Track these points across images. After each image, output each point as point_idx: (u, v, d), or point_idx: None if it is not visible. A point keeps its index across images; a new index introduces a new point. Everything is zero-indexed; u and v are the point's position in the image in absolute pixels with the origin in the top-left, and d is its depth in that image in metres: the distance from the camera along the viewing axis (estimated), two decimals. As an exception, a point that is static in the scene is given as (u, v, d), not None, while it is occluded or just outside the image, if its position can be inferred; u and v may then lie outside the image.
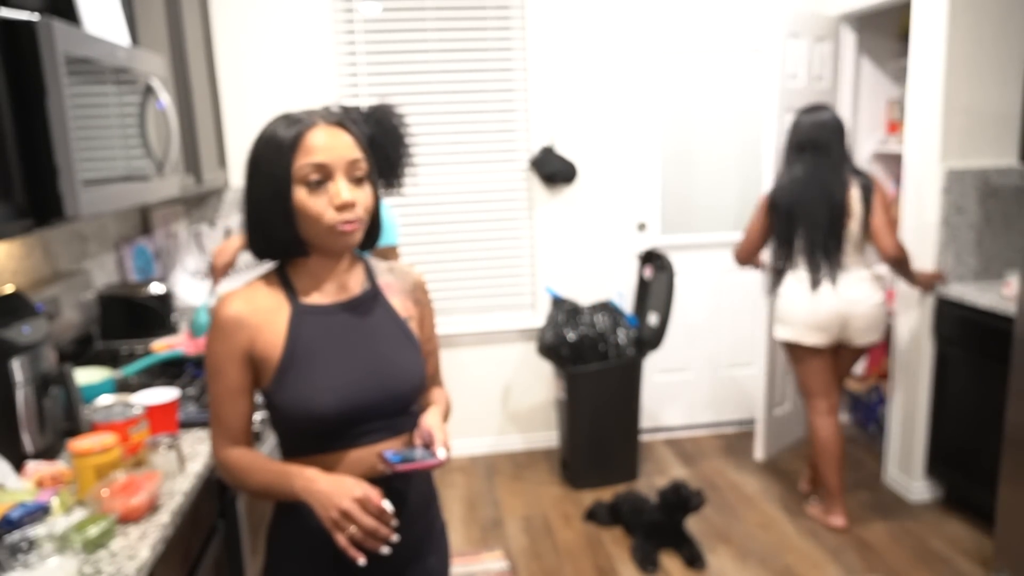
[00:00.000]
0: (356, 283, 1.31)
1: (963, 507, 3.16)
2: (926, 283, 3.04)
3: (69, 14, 1.64)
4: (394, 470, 1.19)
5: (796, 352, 3.02)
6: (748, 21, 3.80)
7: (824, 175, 2.86)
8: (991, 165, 3.05)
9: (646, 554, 2.83)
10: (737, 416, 4.11)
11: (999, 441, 2.68)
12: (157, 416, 1.69)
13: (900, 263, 2.87)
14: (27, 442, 1.55)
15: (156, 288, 2.56)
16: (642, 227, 3.86)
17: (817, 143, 2.87)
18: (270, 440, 1.93)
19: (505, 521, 3.23)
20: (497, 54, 3.63)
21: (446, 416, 1.38)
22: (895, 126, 3.74)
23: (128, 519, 1.37)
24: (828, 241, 2.86)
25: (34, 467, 1.50)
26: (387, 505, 1.15)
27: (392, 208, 3.28)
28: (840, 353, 3.03)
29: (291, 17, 3.42)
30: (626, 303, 3.73)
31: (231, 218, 3.39)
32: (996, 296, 2.85)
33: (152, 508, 1.42)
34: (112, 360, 2.27)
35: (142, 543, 1.31)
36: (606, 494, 3.34)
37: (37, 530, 1.26)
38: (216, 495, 1.75)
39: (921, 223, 3.14)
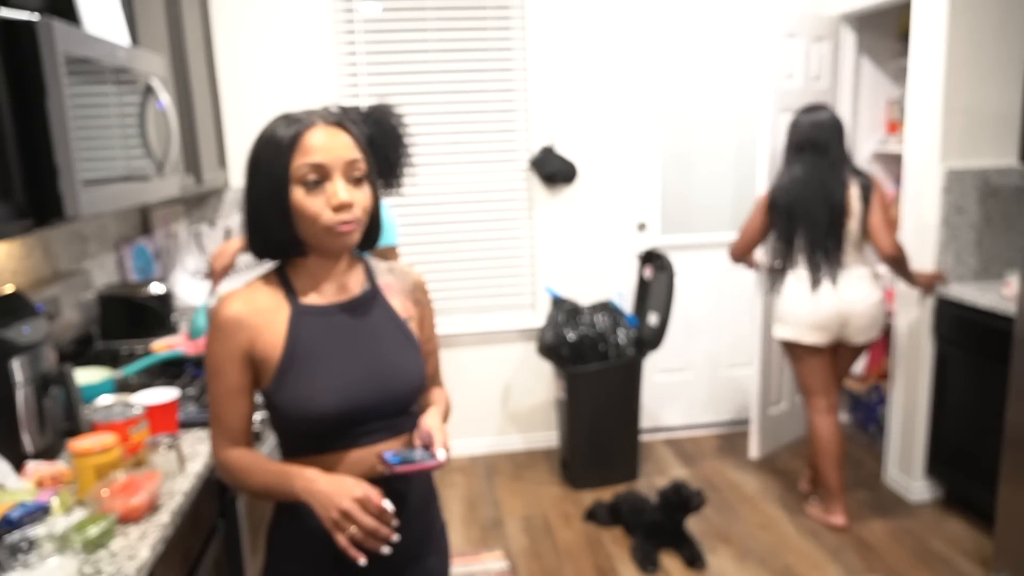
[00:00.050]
0: (356, 283, 1.31)
1: (963, 507, 3.16)
2: (926, 283, 3.04)
3: (69, 14, 1.64)
4: (393, 471, 1.19)
5: (796, 351, 3.03)
6: (748, 21, 3.81)
7: (823, 175, 2.86)
8: (991, 165, 3.05)
9: (646, 554, 2.83)
10: (737, 416, 4.12)
11: (999, 441, 2.68)
12: (157, 416, 1.69)
13: (898, 262, 2.88)
14: (27, 442, 1.55)
15: (156, 288, 2.56)
16: (642, 227, 3.86)
17: (816, 143, 2.88)
18: (270, 440, 1.93)
19: (505, 521, 3.23)
20: (497, 54, 3.63)
21: (446, 416, 1.38)
22: (895, 126, 3.74)
23: (128, 519, 1.37)
24: (828, 241, 2.86)
25: (34, 467, 1.50)
26: (387, 505, 1.15)
27: (392, 208, 3.29)
28: (839, 352, 3.03)
29: (291, 17, 3.42)
30: (626, 303, 3.73)
31: (231, 218, 3.39)
32: (996, 296, 2.85)
33: (152, 508, 1.42)
34: (112, 360, 2.27)
35: (142, 543, 1.31)
36: (606, 494, 3.34)
37: (37, 530, 1.26)
38: (216, 495, 1.75)
39: (921, 223, 3.14)
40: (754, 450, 3.70)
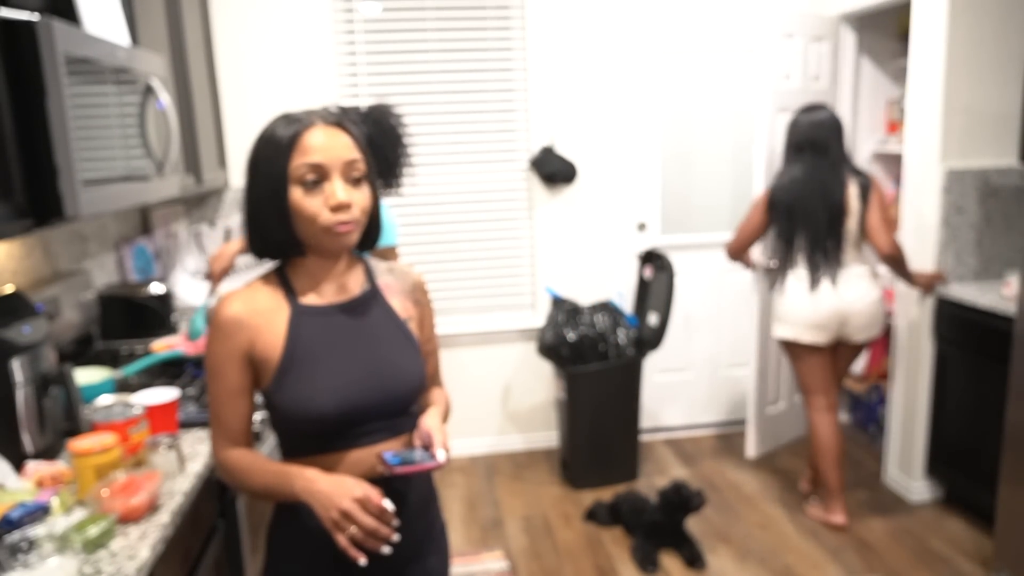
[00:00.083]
0: (356, 284, 1.31)
1: (963, 507, 3.16)
2: (926, 284, 3.04)
3: (69, 14, 1.64)
4: (393, 472, 1.19)
5: (795, 350, 3.03)
6: (748, 21, 3.80)
7: (822, 175, 2.87)
8: (991, 165, 3.05)
9: (646, 554, 2.83)
10: (737, 416, 4.11)
11: (999, 441, 2.69)
12: (157, 416, 1.69)
13: (896, 261, 2.88)
14: (27, 442, 1.55)
15: (156, 288, 2.56)
16: (642, 227, 3.86)
17: (815, 143, 2.88)
18: (270, 440, 1.93)
19: (505, 521, 3.23)
20: (497, 54, 3.63)
21: (446, 417, 1.38)
22: (895, 126, 3.74)
23: (128, 519, 1.37)
24: (827, 240, 2.87)
25: (34, 467, 1.50)
26: (388, 504, 1.15)
27: (392, 208, 3.29)
28: (839, 350, 3.04)
29: (291, 17, 3.42)
30: (626, 303, 3.73)
31: (231, 218, 3.39)
32: (996, 296, 2.85)
33: (152, 508, 1.42)
34: (112, 360, 2.27)
35: (142, 543, 1.31)
36: (606, 494, 3.34)
37: (37, 530, 1.26)
38: (216, 495, 1.75)
39: (921, 223, 3.14)
40: (751, 449, 3.70)
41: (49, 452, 1.61)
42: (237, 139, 3.39)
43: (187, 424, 1.82)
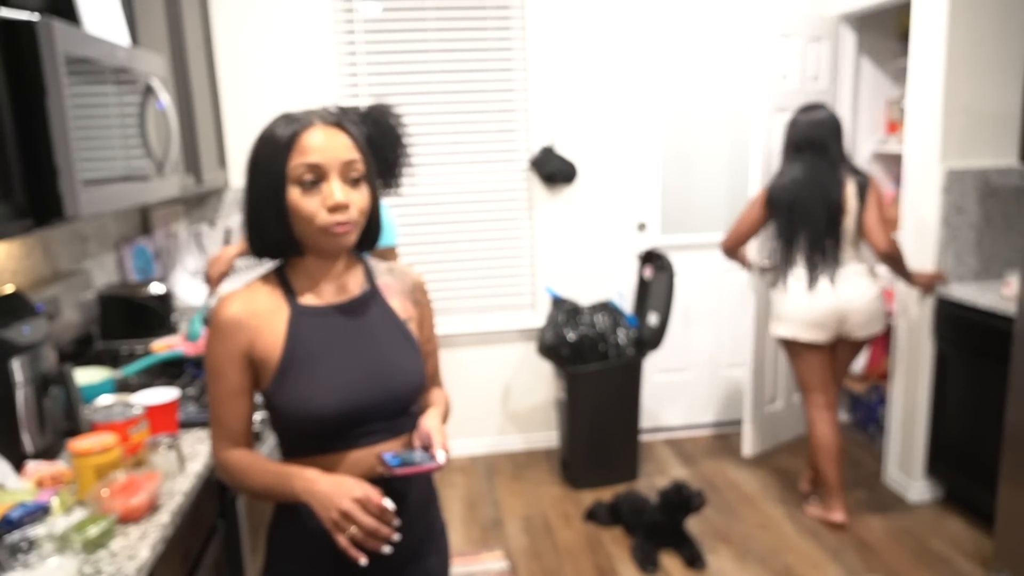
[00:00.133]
0: (355, 284, 1.31)
1: (963, 507, 3.16)
2: (926, 284, 3.04)
3: (69, 14, 1.64)
4: (393, 473, 1.19)
5: (794, 348, 3.03)
6: (748, 21, 3.80)
7: (821, 174, 2.87)
8: (991, 165, 3.05)
9: (646, 554, 2.83)
10: (737, 416, 4.11)
11: (999, 441, 2.69)
12: (157, 416, 1.69)
13: (893, 259, 2.88)
14: (27, 442, 1.55)
15: (156, 288, 2.56)
16: (642, 227, 3.86)
17: (814, 142, 2.88)
18: (270, 440, 1.93)
19: (505, 521, 3.23)
20: (497, 54, 3.63)
21: (445, 417, 1.38)
22: (895, 126, 3.74)
23: (128, 519, 1.37)
24: (826, 239, 2.87)
25: (34, 467, 1.50)
26: (388, 503, 1.15)
27: (392, 208, 3.29)
28: (839, 347, 3.04)
29: (291, 17, 3.42)
30: (626, 303, 3.73)
31: (231, 218, 3.39)
32: (996, 296, 2.86)
33: (152, 508, 1.42)
34: (112, 360, 2.27)
35: (142, 543, 1.31)
36: (606, 494, 3.34)
37: (37, 530, 1.26)
38: (216, 495, 1.75)
39: (921, 223, 3.14)
40: (747, 447, 3.70)
41: (49, 452, 1.61)
42: (237, 139, 3.39)
43: (187, 424, 1.83)
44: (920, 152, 3.12)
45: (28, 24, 1.36)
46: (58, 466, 1.51)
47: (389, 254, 2.25)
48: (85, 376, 1.95)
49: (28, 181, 1.40)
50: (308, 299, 1.27)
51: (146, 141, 1.87)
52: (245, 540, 1.84)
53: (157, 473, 1.47)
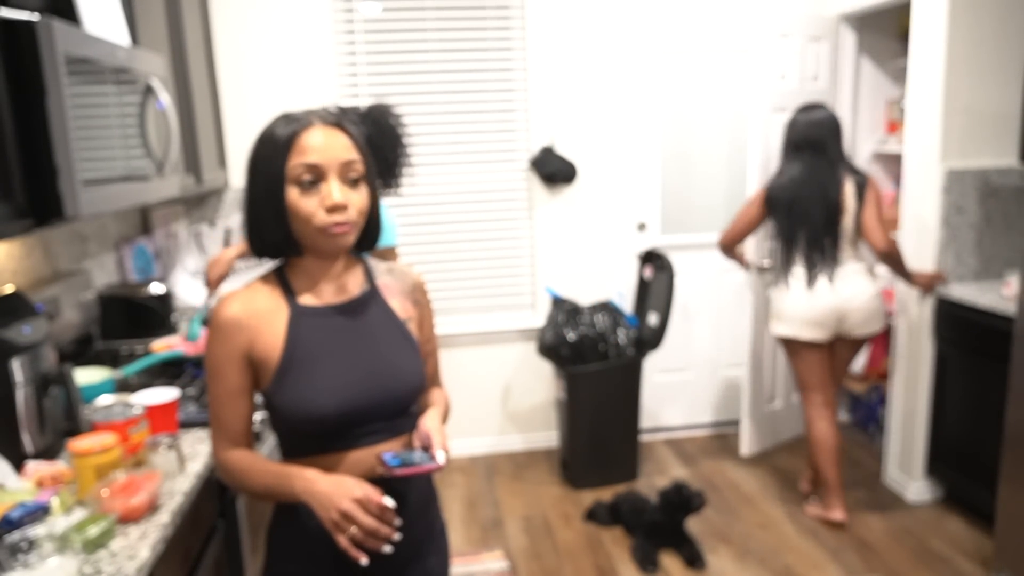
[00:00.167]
0: (355, 284, 1.31)
1: (963, 507, 3.16)
2: (926, 284, 3.05)
3: (69, 14, 1.64)
4: (393, 474, 1.19)
5: (793, 347, 3.04)
6: (748, 21, 3.80)
7: (820, 174, 2.88)
8: (991, 165, 3.05)
9: (646, 554, 2.83)
10: (737, 416, 4.11)
11: (999, 441, 2.69)
12: (157, 416, 1.69)
13: (892, 258, 2.89)
14: (27, 442, 1.55)
15: (156, 288, 2.56)
16: (642, 227, 3.86)
17: (813, 142, 2.89)
18: (270, 440, 1.93)
19: (505, 521, 3.23)
20: (497, 54, 3.63)
21: (445, 417, 1.38)
22: (895, 126, 3.74)
23: (128, 519, 1.37)
24: (825, 239, 2.88)
25: (34, 467, 1.50)
26: (388, 501, 1.14)
27: (392, 208, 3.29)
28: (838, 346, 3.05)
29: (291, 17, 3.42)
30: (626, 303, 3.73)
31: (231, 218, 3.39)
32: (996, 296, 2.86)
33: (152, 508, 1.42)
34: (112, 360, 2.27)
35: (142, 543, 1.31)
36: (606, 494, 3.34)
37: (37, 530, 1.26)
38: (216, 495, 1.75)
39: (921, 223, 3.14)
40: (745, 446, 3.70)
41: (49, 452, 1.61)
42: (237, 139, 3.39)
43: (187, 424, 1.83)
44: (920, 152, 3.12)
45: (28, 24, 1.36)
46: (58, 466, 1.51)
47: (389, 254, 2.25)
48: (85, 376, 1.95)
49: (28, 181, 1.40)
50: (308, 299, 1.27)
51: (146, 141, 1.87)
52: (245, 540, 1.84)
53: (157, 473, 1.47)
